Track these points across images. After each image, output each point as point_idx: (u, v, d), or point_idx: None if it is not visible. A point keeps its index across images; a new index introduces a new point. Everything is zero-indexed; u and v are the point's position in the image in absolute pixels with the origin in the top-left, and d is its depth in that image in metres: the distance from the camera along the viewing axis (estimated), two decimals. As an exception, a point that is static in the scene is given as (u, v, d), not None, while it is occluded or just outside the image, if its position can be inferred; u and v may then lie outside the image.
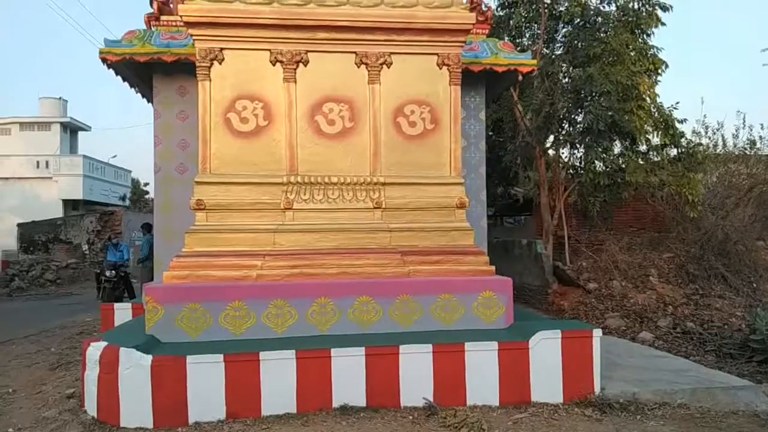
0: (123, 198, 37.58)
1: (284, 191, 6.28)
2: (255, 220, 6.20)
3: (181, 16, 6.25)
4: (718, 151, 13.25)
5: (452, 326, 6.06)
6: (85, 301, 15.65)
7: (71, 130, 37.22)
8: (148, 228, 13.34)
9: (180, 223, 6.98)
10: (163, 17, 8.31)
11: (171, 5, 8.40)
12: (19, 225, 26.22)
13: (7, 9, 66.85)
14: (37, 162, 32.22)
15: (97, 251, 23.38)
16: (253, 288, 5.85)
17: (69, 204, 32.35)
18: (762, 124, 13.34)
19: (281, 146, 6.33)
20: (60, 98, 36.80)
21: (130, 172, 42.02)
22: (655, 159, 12.53)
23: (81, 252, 24.50)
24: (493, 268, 6.45)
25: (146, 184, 39.63)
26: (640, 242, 12.91)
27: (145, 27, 8.38)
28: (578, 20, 12.92)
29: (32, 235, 25.56)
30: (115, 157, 43.48)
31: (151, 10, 8.40)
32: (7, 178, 31.46)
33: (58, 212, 30.20)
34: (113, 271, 13.08)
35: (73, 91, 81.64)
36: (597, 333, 5.81)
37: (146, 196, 39.08)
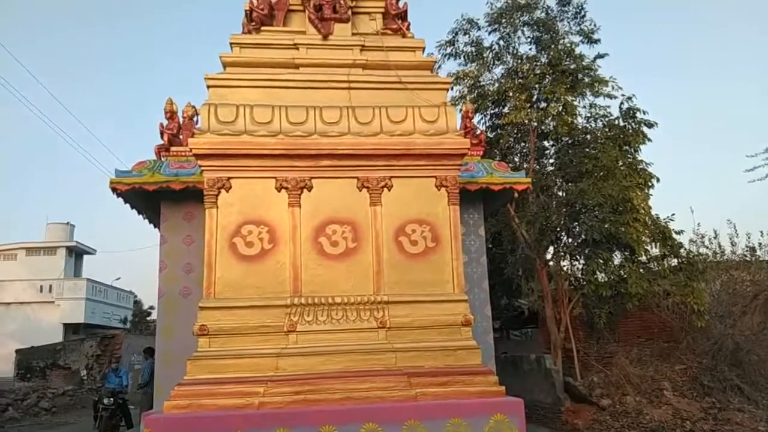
0: (124, 321, 37.24)
1: (288, 313, 6.27)
2: (258, 344, 6.14)
3: (191, 149, 6.60)
4: (718, 258, 13.31)
5: (463, 453, 5.81)
6: (81, 430, 15.05)
7: (77, 253, 37.69)
8: (150, 352, 13.09)
9: (182, 347, 6.89)
10: (172, 148, 8.76)
11: (180, 137, 8.89)
12: (18, 351, 25.76)
13: (18, 139, 70.20)
14: (41, 286, 32.33)
15: (95, 377, 22.79)
16: (255, 417, 5.68)
17: (70, 328, 32.04)
18: (762, 231, 13.43)
19: (285, 268, 6.41)
20: (68, 223, 37.66)
21: (133, 294, 41.99)
22: (656, 269, 12.57)
23: (79, 378, 23.84)
24: (503, 388, 6.27)
25: (151, 308, 39.37)
26: (650, 353, 12.62)
27: (155, 157, 8.81)
28: (566, 138, 13.52)
29: (30, 361, 25.00)
30: (119, 279, 43.60)
31: (162, 142, 8.89)
32: (9, 303, 31.39)
33: (58, 336, 29.83)
34: (111, 398, 12.66)
35: (79, 214, 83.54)
36: (615, 456, 5.57)
37: (148, 318, 38.71)
